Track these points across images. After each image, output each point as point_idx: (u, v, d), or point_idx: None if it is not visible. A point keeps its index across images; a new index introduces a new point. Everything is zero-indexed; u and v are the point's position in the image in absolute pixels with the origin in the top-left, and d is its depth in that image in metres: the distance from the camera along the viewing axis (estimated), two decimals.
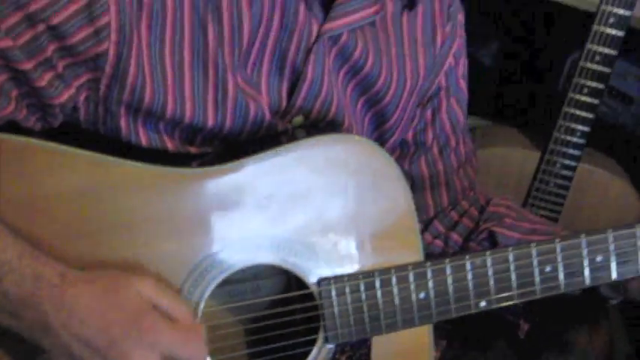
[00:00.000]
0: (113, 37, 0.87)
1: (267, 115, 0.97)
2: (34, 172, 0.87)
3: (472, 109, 2.13)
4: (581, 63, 1.52)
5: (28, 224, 0.87)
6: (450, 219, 1.18)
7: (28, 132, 0.91)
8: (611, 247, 0.98)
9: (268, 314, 0.98)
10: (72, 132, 0.94)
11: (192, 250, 0.92)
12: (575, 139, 1.57)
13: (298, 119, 1.00)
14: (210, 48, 0.91)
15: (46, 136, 0.91)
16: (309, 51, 0.97)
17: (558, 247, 0.98)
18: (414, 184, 1.16)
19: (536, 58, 2.34)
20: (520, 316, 1.17)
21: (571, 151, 1.57)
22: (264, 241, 0.93)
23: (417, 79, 1.08)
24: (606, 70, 1.52)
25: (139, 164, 0.90)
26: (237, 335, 0.99)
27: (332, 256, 0.95)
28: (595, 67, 1.52)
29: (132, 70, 0.89)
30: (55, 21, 0.85)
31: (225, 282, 0.96)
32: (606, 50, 1.51)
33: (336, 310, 0.95)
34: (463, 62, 1.15)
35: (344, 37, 0.99)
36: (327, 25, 0.96)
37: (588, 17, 1.53)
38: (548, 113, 1.64)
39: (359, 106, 1.07)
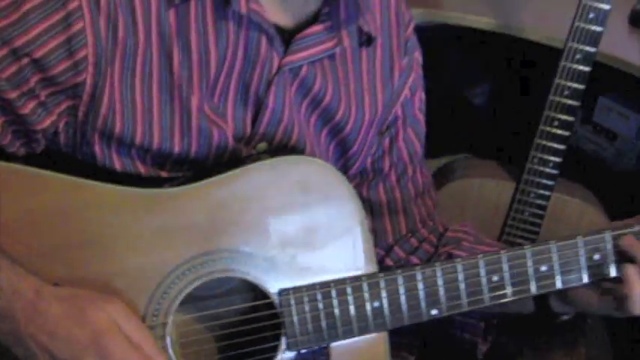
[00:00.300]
0: (90, 69, 0.97)
1: (231, 142, 1.06)
2: (11, 194, 0.96)
3: (464, 148, 2.22)
4: (551, 97, 1.60)
5: (5, 242, 0.95)
6: (409, 245, 1.25)
7: (12, 157, 1.01)
8: (555, 257, 1.05)
9: (236, 322, 1.06)
10: (53, 158, 1.03)
11: (160, 264, 1.00)
12: (547, 170, 1.64)
13: (262, 145, 1.09)
14: (176, 81, 1.01)
15: (29, 161, 1.01)
16: (270, 82, 1.06)
17: (504, 257, 1.05)
18: (373, 209, 1.23)
19: (527, 96, 2.42)
20: (478, 335, 1.23)
21: (544, 181, 1.64)
22: (227, 256, 1.01)
23: (376, 112, 1.17)
24: (575, 103, 1.60)
25: (110, 185, 1.00)
26: (207, 342, 1.07)
27: (291, 269, 1.03)
28: (564, 100, 1.59)
29: (105, 100, 0.98)
30: (38, 55, 0.95)
31: (198, 298, 1.04)
32: (574, 85, 1.58)
33: (295, 318, 1.03)
34: (419, 96, 1.24)
35: (304, 70, 1.08)
36: (287, 59, 1.05)
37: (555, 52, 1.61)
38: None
39: (323, 135, 1.15)
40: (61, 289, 0.95)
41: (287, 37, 1.06)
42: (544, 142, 1.63)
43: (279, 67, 1.05)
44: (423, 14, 1.88)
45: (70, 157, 1.04)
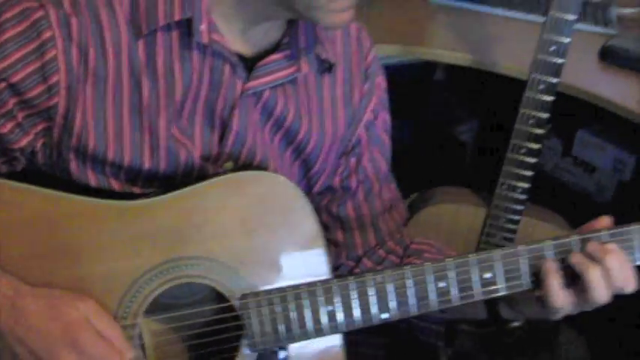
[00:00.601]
0: (62, 92, 1.07)
1: (197, 161, 1.15)
2: None
3: (453, 182, 2.30)
4: (517, 126, 1.68)
5: None
6: (377, 256, 1.33)
7: None
8: (498, 264, 1.13)
9: (203, 324, 1.15)
10: (34, 175, 1.13)
11: (129, 270, 1.09)
12: (516, 195, 1.72)
13: (228, 164, 1.18)
14: (145, 104, 1.10)
15: (11, 178, 1.10)
16: (233, 106, 1.15)
17: (451, 265, 1.12)
18: (343, 224, 1.32)
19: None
20: (439, 339, 1.29)
21: (513, 206, 1.72)
22: (192, 263, 1.10)
23: (337, 132, 1.26)
24: (540, 131, 1.68)
25: (85, 197, 1.09)
26: (178, 343, 1.16)
27: (251, 276, 1.11)
28: (529, 129, 1.68)
29: (77, 120, 1.08)
30: (14, 79, 1.05)
31: (170, 303, 1.13)
32: (539, 114, 1.67)
33: (254, 321, 1.11)
34: (383, 118, 1.32)
35: (266, 94, 1.17)
36: (249, 84, 1.15)
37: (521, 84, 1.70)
38: None
39: (287, 155, 1.24)
40: (38, 288, 1.04)
41: (250, 64, 1.15)
42: (512, 169, 1.71)
43: (242, 92, 1.15)
44: (400, 50, 1.99)
45: (48, 175, 1.13)
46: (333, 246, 1.33)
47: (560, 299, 1.09)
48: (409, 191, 1.95)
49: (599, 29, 2.14)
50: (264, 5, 1.09)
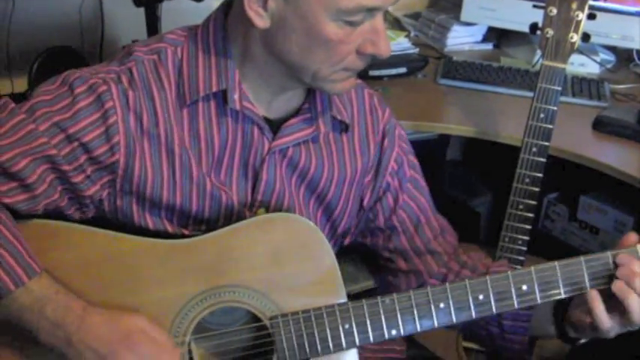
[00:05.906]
0: (122, 150, 1.31)
1: (236, 205, 1.37)
2: (66, 244, 1.31)
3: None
4: (515, 184, 1.90)
5: (62, 280, 1.28)
6: (441, 275, 1.54)
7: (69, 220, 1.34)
8: (490, 287, 1.34)
9: (242, 340, 1.36)
10: (101, 221, 1.36)
11: (179, 296, 1.31)
12: (517, 247, 1.92)
13: (261, 210, 1.40)
14: (192, 160, 1.34)
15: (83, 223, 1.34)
16: (263, 160, 1.39)
17: (448, 288, 1.33)
18: (403, 255, 1.54)
19: None
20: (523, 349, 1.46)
21: (515, 256, 1.92)
22: (231, 290, 1.32)
23: (354, 181, 1.48)
24: (535, 189, 1.89)
25: (139, 237, 1.31)
26: (221, 356, 1.36)
27: (280, 300, 1.32)
28: (526, 187, 1.90)
29: (136, 172, 1.32)
30: (85, 139, 1.29)
31: (213, 324, 1.35)
32: (533, 173, 1.89)
33: (283, 338, 1.32)
34: (408, 162, 1.53)
35: (290, 151, 1.40)
36: (275, 143, 1.38)
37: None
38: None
39: (311, 204, 1.46)
40: (102, 308, 1.27)
41: (275, 126, 1.39)
42: (512, 223, 1.92)
43: (269, 149, 1.38)
44: (412, 125, 2.23)
45: (113, 221, 1.36)
46: (401, 274, 1.55)
47: (607, 324, 1.30)
48: None
49: (593, 102, 2.37)
50: (282, 79, 1.34)
